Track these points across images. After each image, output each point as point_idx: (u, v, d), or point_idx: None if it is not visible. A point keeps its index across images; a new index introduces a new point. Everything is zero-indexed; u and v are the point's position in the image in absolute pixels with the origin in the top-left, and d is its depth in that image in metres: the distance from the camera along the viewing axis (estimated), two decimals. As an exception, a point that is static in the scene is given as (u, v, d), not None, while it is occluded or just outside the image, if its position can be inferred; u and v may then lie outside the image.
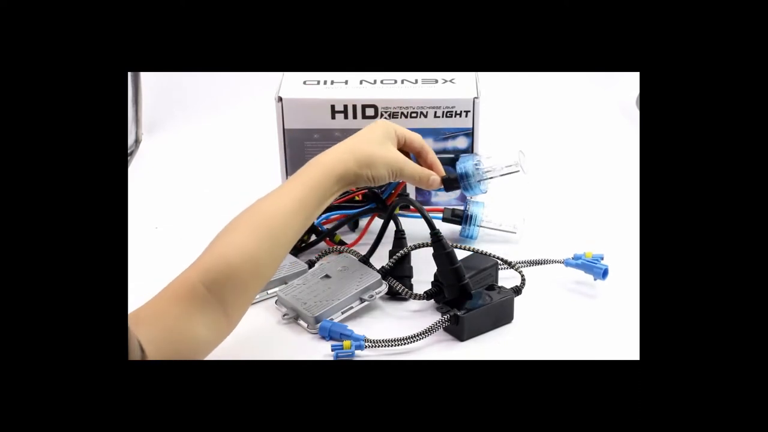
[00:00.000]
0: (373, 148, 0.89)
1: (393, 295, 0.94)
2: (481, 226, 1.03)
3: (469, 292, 0.89)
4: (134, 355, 0.65)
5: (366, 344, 0.85)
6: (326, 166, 0.86)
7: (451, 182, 0.98)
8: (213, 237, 0.81)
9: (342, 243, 1.03)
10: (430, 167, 0.95)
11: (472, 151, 1.05)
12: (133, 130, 1.32)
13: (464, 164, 0.99)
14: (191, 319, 0.74)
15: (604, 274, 0.94)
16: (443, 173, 0.96)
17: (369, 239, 1.02)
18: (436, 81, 1.07)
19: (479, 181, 0.99)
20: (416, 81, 1.07)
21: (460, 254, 0.93)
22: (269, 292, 0.95)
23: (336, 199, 0.89)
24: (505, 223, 1.04)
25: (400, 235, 0.98)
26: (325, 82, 1.06)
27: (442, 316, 0.87)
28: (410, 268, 0.96)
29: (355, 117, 1.04)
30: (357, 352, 0.85)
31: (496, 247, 1.00)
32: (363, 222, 1.06)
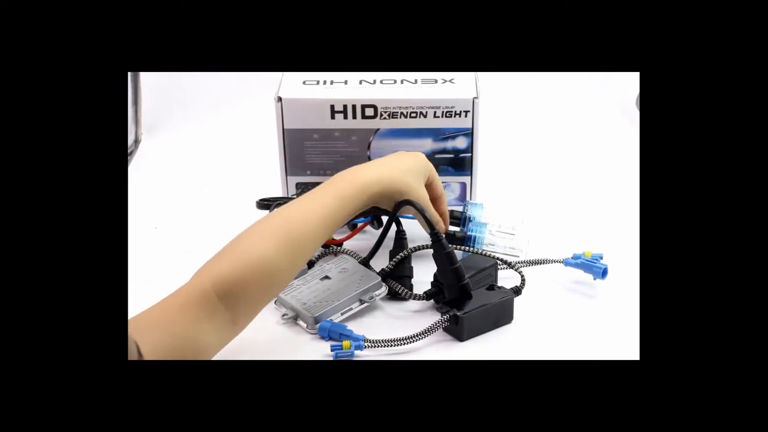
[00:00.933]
0: (412, 180, 0.90)
1: (393, 295, 0.94)
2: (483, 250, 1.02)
3: (469, 292, 0.89)
4: (131, 357, 0.65)
5: (365, 344, 0.85)
6: (362, 185, 0.86)
7: (455, 240, 1.00)
8: (212, 238, 0.80)
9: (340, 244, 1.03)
10: (441, 215, 0.96)
11: (471, 151, 1.05)
12: (132, 130, 1.32)
13: (478, 233, 1.00)
14: (199, 327, 0.74)
15: (604, 273, 0.94)
16: (449, 226, 0.99)
17: (364, 237, 1.03)
18: (436, 81, 1.07)
19: (478, 249, 0.99)
20: (416, 81, 1.07)
21: (460, 254, 0.93)
22: (269, 292, 0.95)
23: None
24: (504, 224, 1.03)
25: (401, 235, 0.98)
26: (324, 82, 1.06)
27: (441, 316, 0.87)
28: (410, 269, 0.96)
29: (354, 117, 1.04)
30: (356, 352, 0.85)
31: (496, 247, 1.00)
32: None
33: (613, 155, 1.26)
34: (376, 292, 0.92)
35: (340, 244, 1.02)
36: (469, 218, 1.02)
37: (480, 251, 0.96)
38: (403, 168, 0.90)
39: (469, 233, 1.01)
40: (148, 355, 0.68)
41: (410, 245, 0.96)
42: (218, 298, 0.75)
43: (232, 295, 0.75)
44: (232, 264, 0.76)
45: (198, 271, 0.77)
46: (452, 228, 1.02)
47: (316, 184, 1.07)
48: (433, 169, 0.95)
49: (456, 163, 1.06)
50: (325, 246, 1.02)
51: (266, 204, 1.01)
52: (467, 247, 0.97)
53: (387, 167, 0.89)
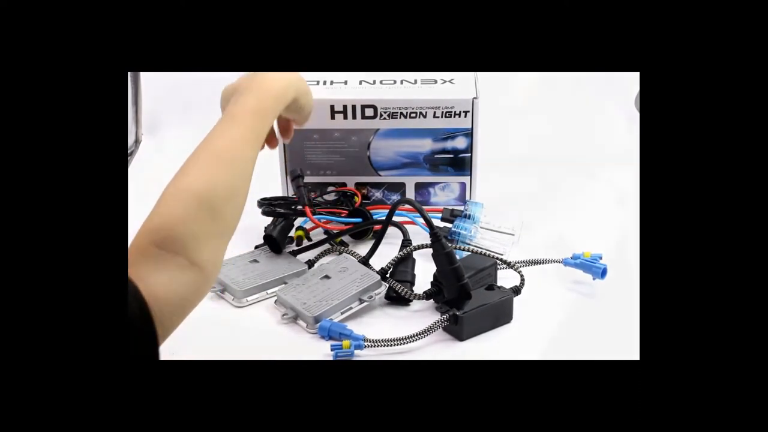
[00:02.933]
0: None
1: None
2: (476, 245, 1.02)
3: (469, 292, 0.89)
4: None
5: (365, 344, 0.85)
6: (277, 95, 0.85)
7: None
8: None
9: (343, 244, 1.03)
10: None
11: (471, 151, 1.05)
12: (133, 130, 1.31)
13: (463, 230, 1.01)
14: (150, 282, 0.69)
15: (603, 273, 0.95)
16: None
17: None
18: (436, 81, 1.07)
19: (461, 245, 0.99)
20: (415, 81, 1.07)
21: (460, 254, 0.93)
22: (269, 292, 0.95)
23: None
24: (503, 226, 1.03)
25: (406, 243, 0.98)
26: (324, 83, 1.07)
27: (441, 316, 0.87)
28: (413, 275, 0.95)
29: (354, 117, 1.04)
30: (356, 351, 0.85)
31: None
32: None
33: (613, 155, 1.26)
34: (376, 292, 0.92)
35: (346, 244, 1.02)
36: (470, 216, 1.02)
37: (465, 245, 0.97)
38: (295, 74, 0.89)
39: (453, 229, 1.01)
40: None
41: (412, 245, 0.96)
42: (157, 248, 0.71)
43: (171, 240, 0.72)
44: (164, 210, 0.75)
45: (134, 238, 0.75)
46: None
47: (317, 184, 1.07)
48: None
49: (456, 163, 1.06)
50: (331, 245, 1.03)
51: (267, 203, 1.01)
52: (466, 246, 0.97)
53: (286, 74, 0.88)
